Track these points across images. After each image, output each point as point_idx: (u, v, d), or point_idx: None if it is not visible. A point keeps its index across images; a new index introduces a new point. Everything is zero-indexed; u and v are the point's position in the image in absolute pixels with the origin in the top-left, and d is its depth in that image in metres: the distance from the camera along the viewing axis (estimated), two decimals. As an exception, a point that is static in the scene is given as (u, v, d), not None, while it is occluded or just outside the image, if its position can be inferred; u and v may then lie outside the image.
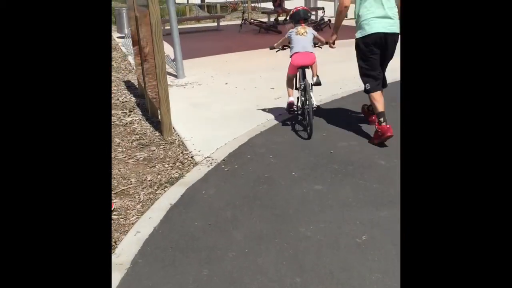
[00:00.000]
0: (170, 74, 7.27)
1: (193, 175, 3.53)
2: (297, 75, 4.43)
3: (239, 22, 12.61)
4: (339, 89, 5.90)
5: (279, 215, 2.88)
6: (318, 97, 5.57)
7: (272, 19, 13.62)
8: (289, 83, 4.56)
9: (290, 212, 2.92)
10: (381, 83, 4.11)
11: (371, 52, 3.99)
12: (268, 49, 5.01)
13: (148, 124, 4.88)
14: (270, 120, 4.77)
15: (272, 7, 13.96)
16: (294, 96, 4.53)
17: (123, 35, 11.52)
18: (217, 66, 7.85)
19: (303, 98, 4.30)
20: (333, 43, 4.46)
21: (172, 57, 7.30)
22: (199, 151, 4.01)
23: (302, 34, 4.42)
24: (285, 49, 4.76)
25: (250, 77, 6.83)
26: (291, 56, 4.49)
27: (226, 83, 6.51)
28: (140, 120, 5.02)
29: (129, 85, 6.72)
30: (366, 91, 4.06)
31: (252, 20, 12.22)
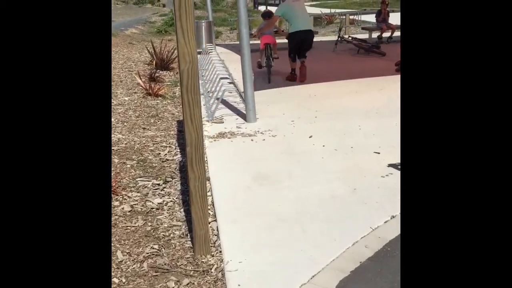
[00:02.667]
0: (239, 112, 5.57)
1: None
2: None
3: (334, 38, 10.69)
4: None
5: None
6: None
7: (374, 36, 11.53)
8: (262, 54, 7.62)
9: None
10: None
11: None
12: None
13: (183, 215, 3.17)
14: (377, 232, 2.83)
15: (374, 21, 11.88)
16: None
17: (201, 50, 10.09)
18: (302, 102, 6.01)
19: (267, 61, 7.36)
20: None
21: (242, 89, 5.59)
22: (245, 309, 2.19)
23: None
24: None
25: (344, 127, 4.92)
26: (260, 37, 7.65)
27: (310, 136, 4.65)
28: (173, 204, 3.33)
29: (182, 129, 5.11)
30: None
31: (350, 38, 10.23)
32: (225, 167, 3.93)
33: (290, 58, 7.45)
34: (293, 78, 7.50)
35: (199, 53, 10.09)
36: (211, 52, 8.50)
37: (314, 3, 28.04)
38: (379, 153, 4.15)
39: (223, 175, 3.78)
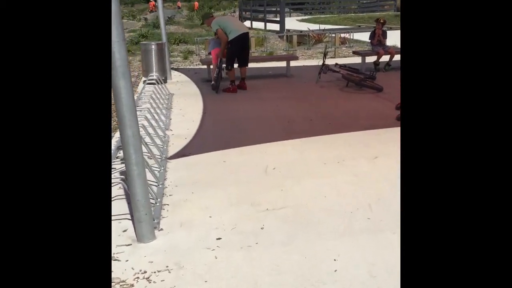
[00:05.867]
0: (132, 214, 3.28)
1: None
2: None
3: (320, 62, 8.44)
4: None
5: None
6: None
7: (368, 60, 9.30)
8: (215, 69, 7.68)
9: None
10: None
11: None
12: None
13: None
14: None
15: (368, 41, 9.67)
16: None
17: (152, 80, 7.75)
18: (249, 185, 3.76)
19: (219, 72, 7.49)
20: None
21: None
22: None
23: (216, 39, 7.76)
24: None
25: (308, 260, 2.65)
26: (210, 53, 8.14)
27: (236, 296, 2.39)
28: None
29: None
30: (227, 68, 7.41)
31: (337, 65, 8.02)
32: None
33: (228, 70, 7.47)
34: (234, 90, 7.51)
35: (152, 83, 7.75)
36: (147, 88, 6.24)
37: (305, 17, 25.99)
38: None
39: None
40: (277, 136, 5.11)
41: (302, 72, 9.29)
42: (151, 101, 5.84)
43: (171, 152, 4.66)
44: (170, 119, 5.94)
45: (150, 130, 4.83)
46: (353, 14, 25.15)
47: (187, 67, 10.99)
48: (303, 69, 9.68)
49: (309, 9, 29.96)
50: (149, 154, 4.07)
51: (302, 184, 3.77)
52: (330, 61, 9.16)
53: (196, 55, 11.83)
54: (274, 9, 20.67)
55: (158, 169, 4.08)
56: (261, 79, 8.70)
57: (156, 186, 3.74)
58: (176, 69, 10.33)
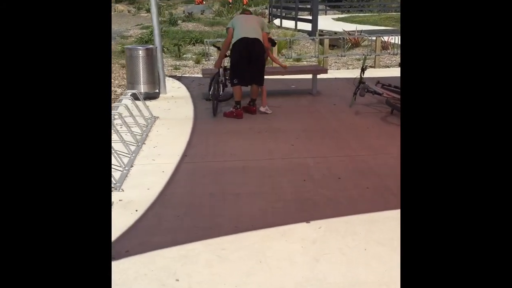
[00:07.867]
0: None
1: None
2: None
3: (356, 71, 6.35)
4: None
5: None
6: None
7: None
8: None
9: None
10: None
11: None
12: None
13: None
14: None
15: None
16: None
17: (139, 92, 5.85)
18: None
19: (216, 86, 5.77)
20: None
21: None
22: None
23: None
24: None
25: None
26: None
27: None
28: None
29: None
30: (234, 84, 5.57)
31: (380, 85, 5.95)
32: None
33: (232, 86, 5.69)
34: (238, 114, 5.60)
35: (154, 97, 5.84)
36: (115, 111, 4.39)
37: (342, 16, 23.75)
38: None
39: None
40: (282, 214, 3.16)
41: (333, 89, 7.24)
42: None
43: (96, 246, 2.74)
44: (131, 167, 4.04)
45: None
46: (395, 13, 22.70)
47: (194, 75, 9.11)
48: (334, 84, 7.62)
49: (347, 7, 27.68)
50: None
51: None
52: (369, 73, 7.08)
53: (206, 60, 9.92)
54: (308, 6, 18.56)
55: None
56: (278, 98, 6.69)
57: None
58: (178, 78, 8.48)
